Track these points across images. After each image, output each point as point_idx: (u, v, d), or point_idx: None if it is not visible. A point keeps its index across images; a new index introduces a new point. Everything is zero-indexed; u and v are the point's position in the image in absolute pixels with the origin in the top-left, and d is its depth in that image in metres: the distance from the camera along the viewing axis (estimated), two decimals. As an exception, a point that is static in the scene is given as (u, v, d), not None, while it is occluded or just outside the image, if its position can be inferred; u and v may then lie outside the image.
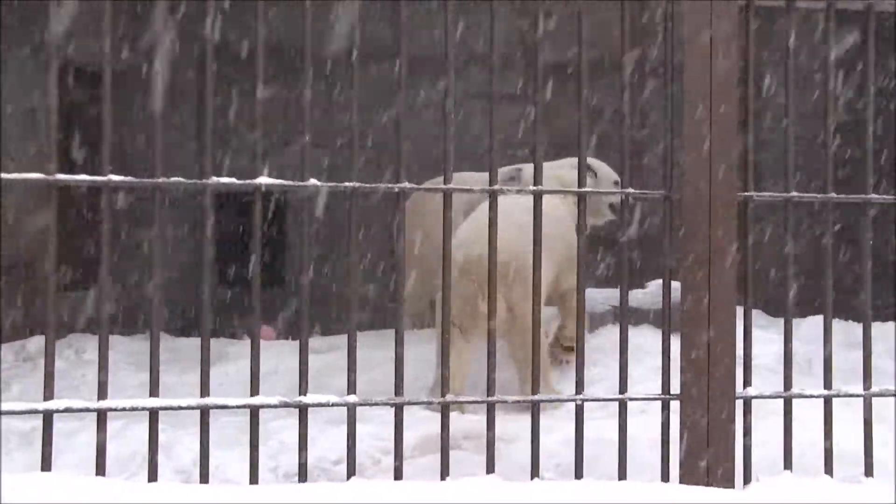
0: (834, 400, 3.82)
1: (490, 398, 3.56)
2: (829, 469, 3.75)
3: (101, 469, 3.17)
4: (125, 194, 4.55)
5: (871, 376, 3.86)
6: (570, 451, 3.68)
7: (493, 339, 3.59)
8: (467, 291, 4.84)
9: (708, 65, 3.58)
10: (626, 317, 3.68)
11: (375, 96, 5.00)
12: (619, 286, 3.68)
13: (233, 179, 3.37)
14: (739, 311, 3.66)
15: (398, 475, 3.43)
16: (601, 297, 6.22)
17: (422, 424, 4.37)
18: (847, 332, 6.10)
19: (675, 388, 3.62)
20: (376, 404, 3.51)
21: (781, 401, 3.78)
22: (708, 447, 3.56)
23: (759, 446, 3.80)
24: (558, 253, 5.21)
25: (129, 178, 3.26)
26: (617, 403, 3.66)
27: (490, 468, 3.50)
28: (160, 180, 3.27)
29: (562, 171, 5.56)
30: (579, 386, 3.64)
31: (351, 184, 3.44)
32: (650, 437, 3.84)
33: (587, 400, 3.65)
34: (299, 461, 3.39)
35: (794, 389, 3.80)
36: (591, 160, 5.55)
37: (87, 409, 3.19)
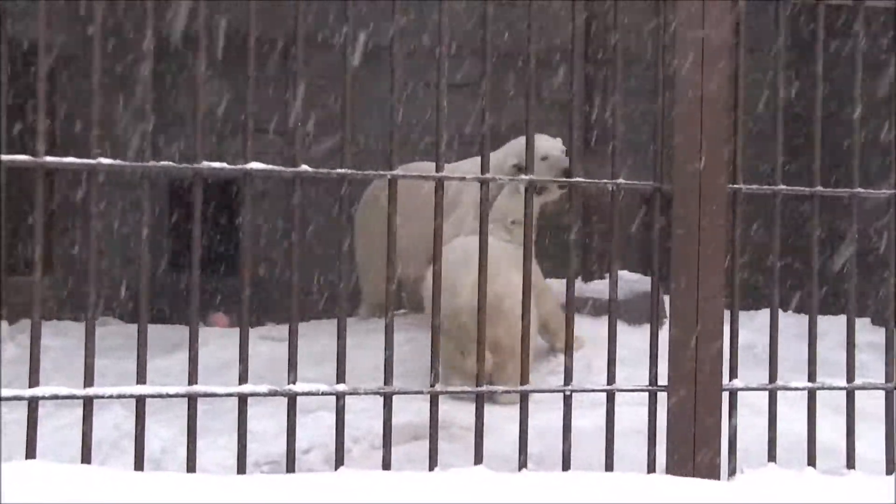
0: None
1: (479, 388, 3.55)
2: (812, 461, 3.78)
3: (86, 458, 3.12)
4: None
5: (854, 369, 3.89)
6: (541, 441, 3.82)
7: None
8: (447, 351, 4.50)
9: (699, 37, 3.57)
10: (614, 311, 3.69)
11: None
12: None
13: (224, 164, 3.33)
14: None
15: (386, 465, 3.42)
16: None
17: (400, 413, 4.31)
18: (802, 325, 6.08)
19: (663, 379, 3.63)
20: (366, 393, 3.49)
21: (754, 393, 3.78)
22: (694, 438, 3.57)
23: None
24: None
25: (117, 161, 3.21)
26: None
27: (478, 459, 3.49)
28: (150, 164, 3.22)
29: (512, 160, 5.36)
30: (567, 376, 3.64)
31: (343, 170, 3.42)
32: (626, 427, 3.84)
33: (575, 391, 3.65)
34: (287, 451, 3.36)
35: (779, 382, 3.82)
36: (538, 140, 5.07)
37: (74, 397, 3.14)
